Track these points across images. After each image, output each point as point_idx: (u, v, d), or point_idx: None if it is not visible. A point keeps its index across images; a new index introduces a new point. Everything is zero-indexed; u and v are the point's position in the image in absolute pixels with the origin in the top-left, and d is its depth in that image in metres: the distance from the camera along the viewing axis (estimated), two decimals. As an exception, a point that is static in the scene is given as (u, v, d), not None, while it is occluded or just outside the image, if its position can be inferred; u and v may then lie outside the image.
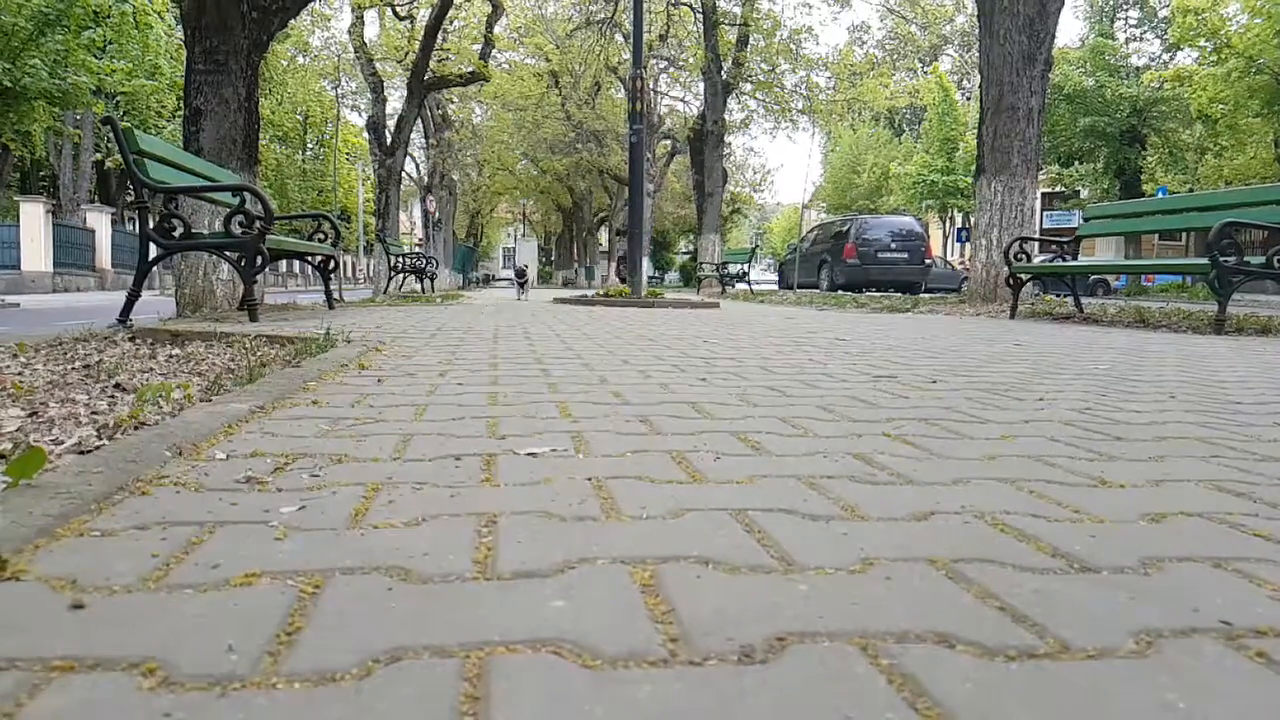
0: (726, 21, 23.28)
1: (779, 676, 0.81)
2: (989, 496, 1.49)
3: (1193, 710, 0.77)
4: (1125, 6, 38.55)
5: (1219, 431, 2.19)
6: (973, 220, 10.38)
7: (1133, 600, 1.02)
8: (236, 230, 5.36)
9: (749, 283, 20.29)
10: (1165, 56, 35.74)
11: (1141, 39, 38.71)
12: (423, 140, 30.86)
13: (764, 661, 0.84)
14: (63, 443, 1.77)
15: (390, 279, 17.49)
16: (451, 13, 20.26)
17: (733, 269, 20.78)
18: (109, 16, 26.43)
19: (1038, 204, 11.24)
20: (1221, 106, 26.26)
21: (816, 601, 0.99)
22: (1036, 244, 9.10)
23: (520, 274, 15.18)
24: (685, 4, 24.04)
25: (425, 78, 18.96)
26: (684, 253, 54.97)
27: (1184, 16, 26.40)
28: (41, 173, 34.14)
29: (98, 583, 1.00)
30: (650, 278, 30.30)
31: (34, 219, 23.09)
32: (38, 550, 1.10)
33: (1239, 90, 25.37)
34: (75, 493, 1.30)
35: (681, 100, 31.71)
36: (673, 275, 55.55)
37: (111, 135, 5.18)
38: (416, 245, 29.25)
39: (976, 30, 10.30)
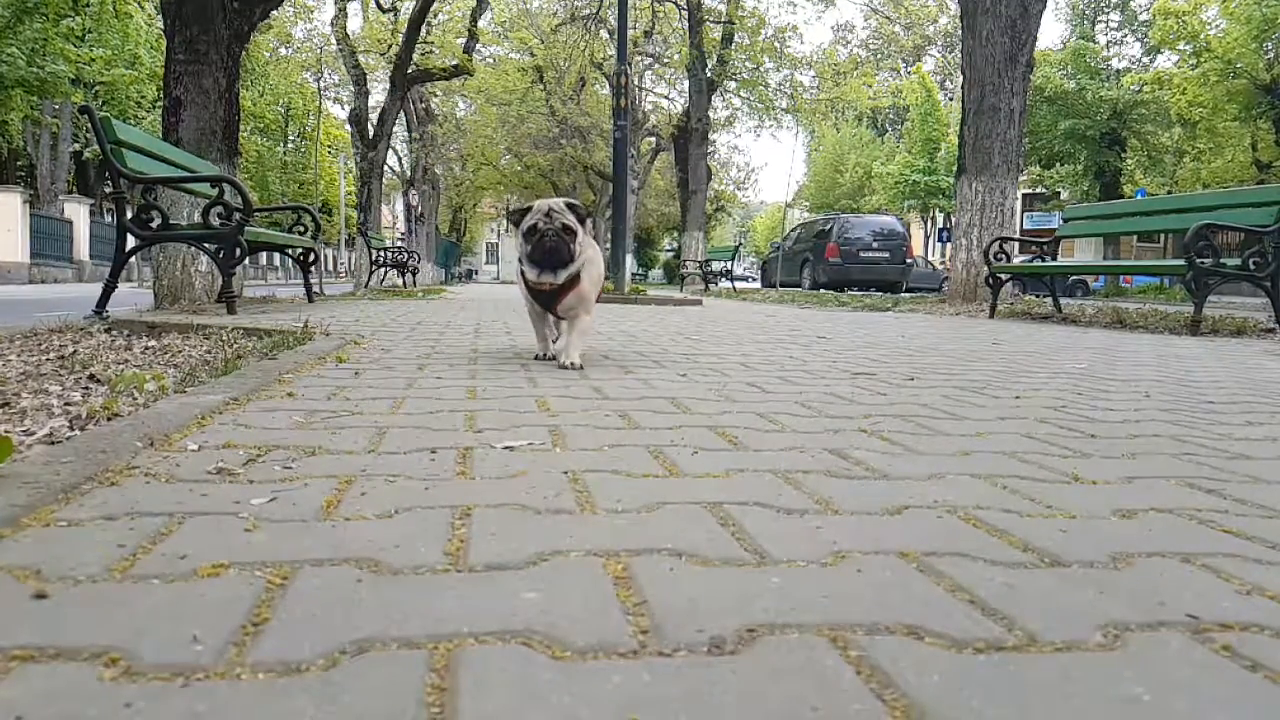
0: (711, 19, 23.31)
1: (748, 668, 0.81)
2: (962, 492, 1.50)
3: (1158, 702, 0.77)
4: (1106, 9, 38.85)
5: (1192, 430, 2.21)
6: (954, 220, 10.44)
7: (1101, 594, 1.03)
8: (215, 222, 5.31)
9: (732, 280, 20.32)
10: (1146, 59, 36.05)
11: (1122, 42, 39.05)
12: (406, 134, 30.71)
13: (734, 653, 0.84)
14: (34, 434, 1.75)
15: (371, 273, 17.39)
16: (435, 5, 20.17)
17: (716, 267, 20.79)
18: (88, 5, 26.21)
19: (1018, 205, 11.32)
20: (1200, 110, 26.52)
21: (788, 594, 1.00)
22: (1016, 244, 9.16)
23: (549, 246, 3.24)
24: (670, 1, 24.03)
25: (408, 71, 18.86)
26: (668, 250, 54.94)
27: (1164, 19, 26.65)
28: (19, 162, 33.70)
29: (62, 573, 0.99)
30: (634, 275, 30.28)
31: (10, 209, 22.82)
32: (2, 540, 1.08)
33: (1217, 94, 25.64)
34: (43, 483, 1.29)
35: (666, 97, 31.70)
36: (656, 273, 55.55)
37: (89, 125, 5.12)
38: (399, 239, 29.12)
39: (959, 31, 10.35)
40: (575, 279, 3.30)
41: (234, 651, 0.81)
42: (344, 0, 21.08)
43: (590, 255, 3.37)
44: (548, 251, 3.21)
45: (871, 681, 0.78)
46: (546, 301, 3.40)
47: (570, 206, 3.27)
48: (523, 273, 3.35)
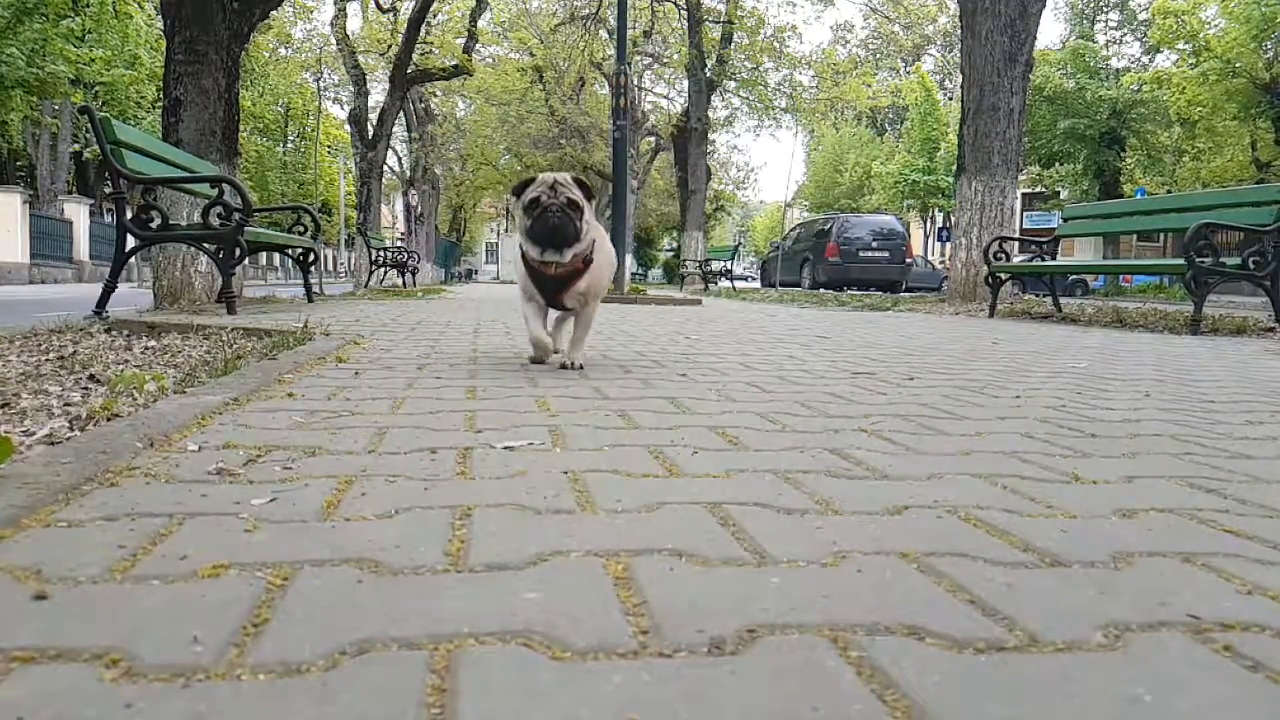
0: (711, 19, 23.32)
1: (748, 668, 0.80)
2: (963, 491, 1.49)
3: (1159, 702, 0.77)
4: (1106, 9, 38.85)
5: (1192, 429, 2.21)
6: (953, 220, 10.44)
7: (1102, 594, 1.03)
8: (215, 222, 5.31)
9: (731, 280, 20.33)
10: (1145, 59, 36.07)
11: (1121, 41, 39.07)
12: (405, 134, 30.72)
13: (734, 653, 0.84)
14: (34, 434, 1.75)
15: (371, 273, 17.40)
16: (435, 5, 20.17)
17: (716, 266, 20.80)
18: (88, 5, 26.20)
19: (1018, 204, 11.32)
20: (1199, 109, 26.54)
21: (788, 594, 0.99)
22: (1016, 244, 9.17)
23: None
24: (670, 1, 24.03)
25: (408, 71, 18.86)
26: (668, 250, 54.91)
27: (1164, 18, 26.67)
28: (19, 163, 33.70)
29: (63, 573, 0.99)
30: (633, 274, 30.26)
31: (10, 210, 22.81)
32: (2, 541, 1.08)
33: (1217, 93, 25.66)
34: (43, 483, 1.29)
35: (666, 97, 31.76)
36: (656, 272, 55.52)
37: (89, 125, 5.12)
38: (398, 239, 29.13)
39: (959, 31, 10.35)
40: (587, 262, 2.99)
41: (234, 652, 0.80)
42: (344, 0, 21.08)
43: (597, 238, 3.07)
44: (552, 228, 2.87)
45: (872, 682, 0.78)
46: (553, 290, 3.03)
47: (577, 181, 2.95)
48: (523, 253, 2.99)
